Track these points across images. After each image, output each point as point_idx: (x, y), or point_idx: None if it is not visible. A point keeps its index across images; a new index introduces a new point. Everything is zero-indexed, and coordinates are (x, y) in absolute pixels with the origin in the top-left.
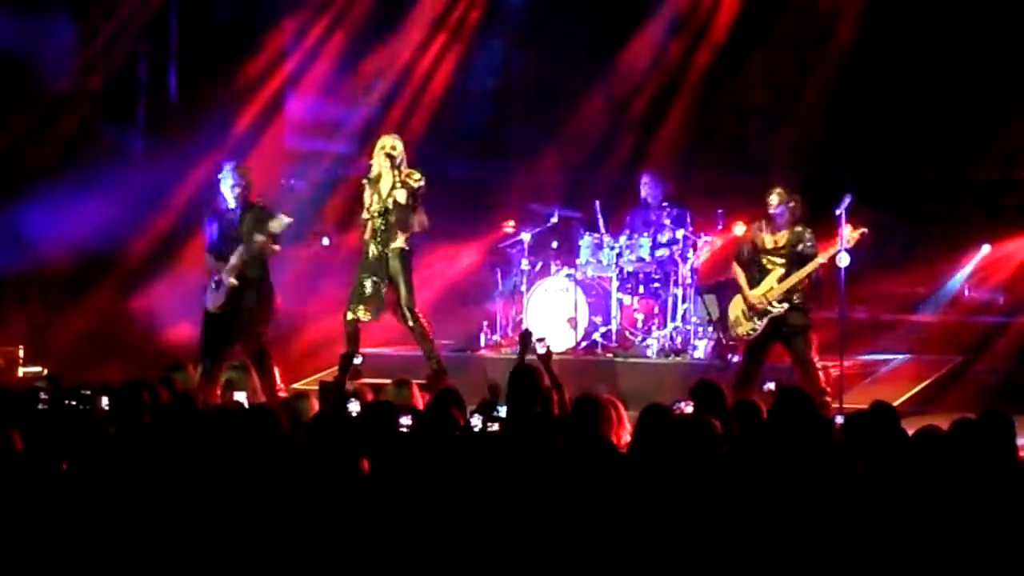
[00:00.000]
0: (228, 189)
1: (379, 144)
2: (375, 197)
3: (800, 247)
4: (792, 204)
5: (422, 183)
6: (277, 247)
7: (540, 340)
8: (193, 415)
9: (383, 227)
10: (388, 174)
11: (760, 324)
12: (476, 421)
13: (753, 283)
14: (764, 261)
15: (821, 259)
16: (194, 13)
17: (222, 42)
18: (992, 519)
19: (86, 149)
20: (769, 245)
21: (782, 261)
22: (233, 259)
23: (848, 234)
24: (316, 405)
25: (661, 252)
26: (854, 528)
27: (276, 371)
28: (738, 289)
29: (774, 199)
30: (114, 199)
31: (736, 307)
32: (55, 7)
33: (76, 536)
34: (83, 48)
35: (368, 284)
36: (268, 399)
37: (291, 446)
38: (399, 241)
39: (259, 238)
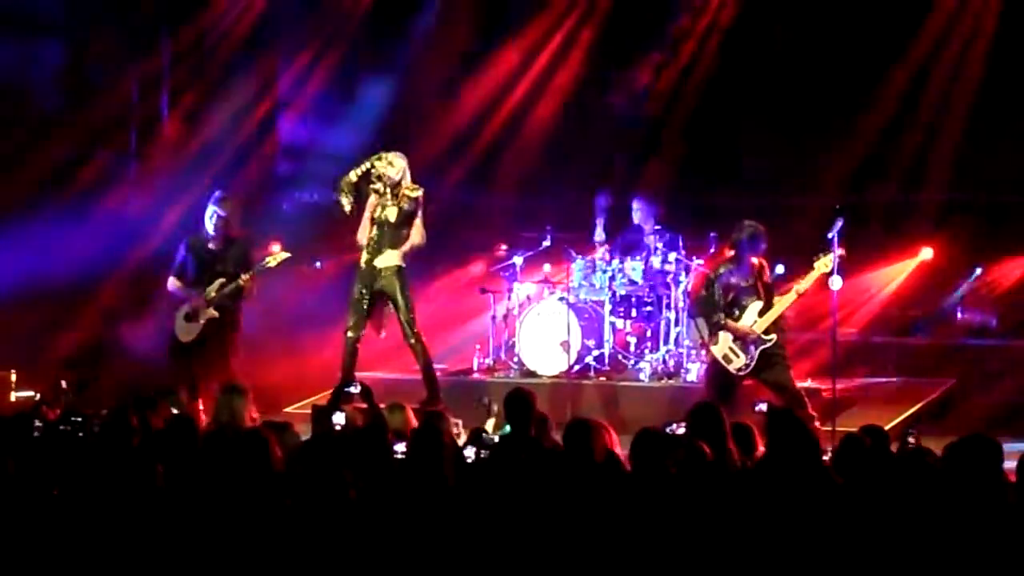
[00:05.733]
0: (211, 222)
1: (382, 159)
2: (377, 208)
3: (764, 277)
4: (753, 236)
5: (418, 194)
6: (254, 288)
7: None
8: (192, 438)
9: (376, 239)
10: (386, 191)
11: (753, 358)
12: (470, 452)
13: (734, 319)
14: (740, 297)
15: (801, 287)
16: (185, 37)
17: (214, 66)
18: (978, 542)
19: (77, 173)
20: (737, 281)
21: (755, 294)
22: (212, 291)
23: (828, 260)
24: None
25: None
26: (843, 549)
27: (250, 398)
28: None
29: (735, 235)
30: (106, 223)
31: (722, 345)
32: (45, 30)
33: (70, 562)
34: (74, 72)
35: (355, 292)
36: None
37: (283, 471)
38: (393, 258)
39: (244, 276)
